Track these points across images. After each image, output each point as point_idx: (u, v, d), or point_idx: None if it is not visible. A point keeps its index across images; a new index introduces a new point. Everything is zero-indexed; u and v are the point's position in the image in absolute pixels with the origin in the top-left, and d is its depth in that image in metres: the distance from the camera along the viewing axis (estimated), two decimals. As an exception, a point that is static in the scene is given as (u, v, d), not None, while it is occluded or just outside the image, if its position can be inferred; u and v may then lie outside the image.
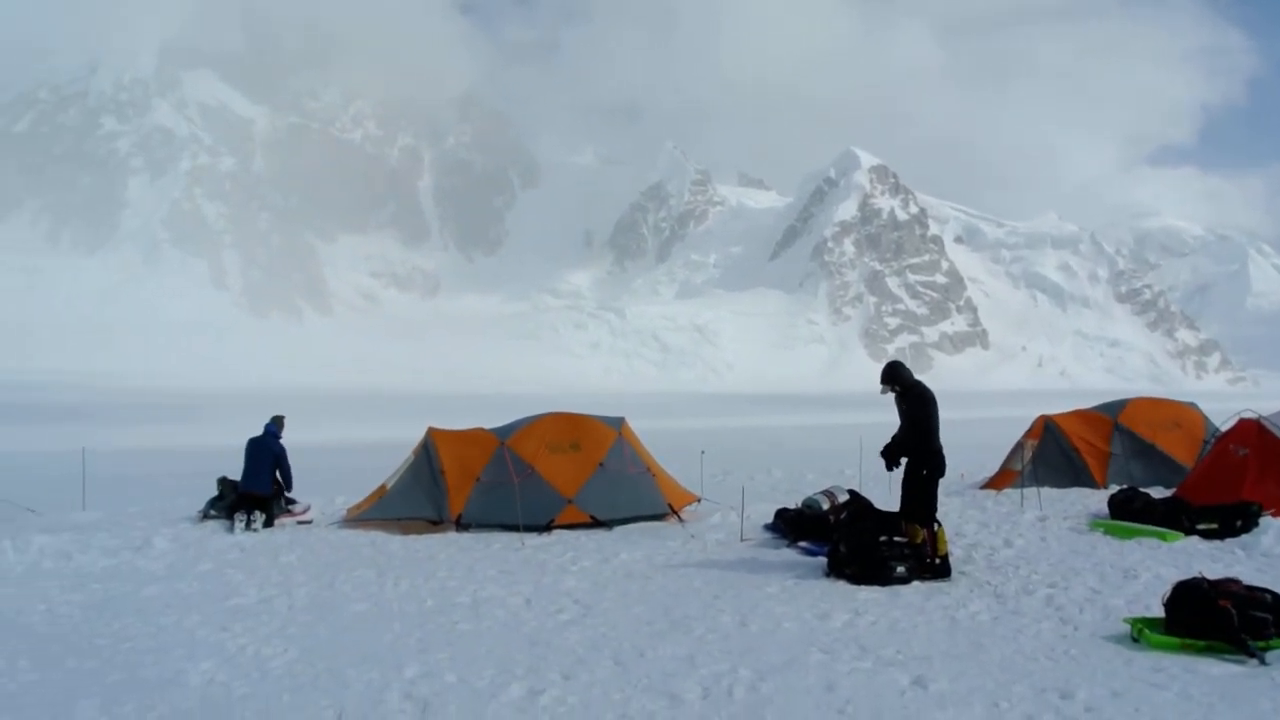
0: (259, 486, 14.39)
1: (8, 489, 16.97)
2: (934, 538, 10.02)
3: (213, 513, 14.61)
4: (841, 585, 9.71)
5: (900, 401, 10.36)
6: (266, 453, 14.66)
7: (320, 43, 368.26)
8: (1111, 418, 17.74)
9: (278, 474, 14.78)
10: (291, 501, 15.09)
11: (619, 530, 13.35)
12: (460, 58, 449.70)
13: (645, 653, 7.46)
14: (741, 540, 12.54)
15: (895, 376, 10.40)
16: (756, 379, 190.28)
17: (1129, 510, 13.02)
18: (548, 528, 13.17)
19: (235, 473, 14.83)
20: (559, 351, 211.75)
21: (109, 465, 24.15)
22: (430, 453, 14.24)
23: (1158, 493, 14.43)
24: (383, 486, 14.58)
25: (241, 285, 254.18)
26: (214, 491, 15.09)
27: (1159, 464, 16.94)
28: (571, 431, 14.41)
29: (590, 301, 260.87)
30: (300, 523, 14.49)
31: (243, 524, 13.86)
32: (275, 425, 15.15)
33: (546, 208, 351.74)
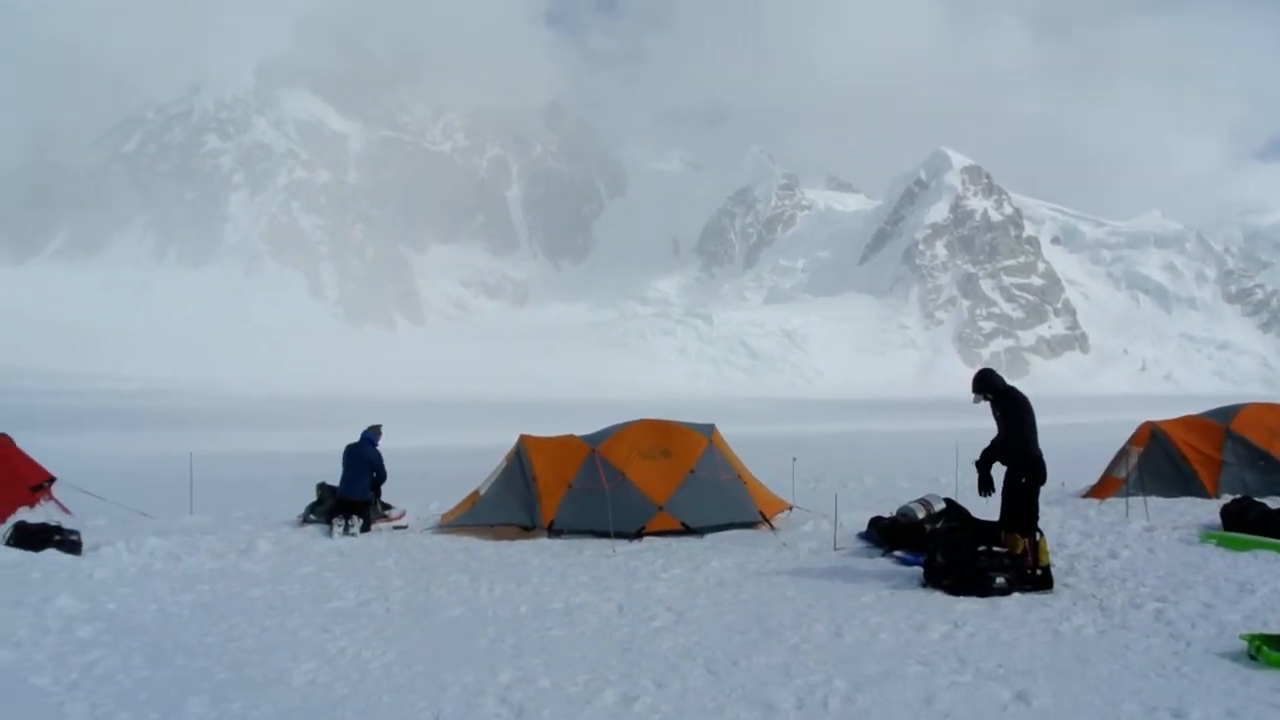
0: (357, 492, 14.75)
1: (121, 493, 17.66)
2: (1035, 548, 9.74)
3: (312, 517, 15.02)
4: (938, 596, 9.51)
5: (995, 409, 10.15)
6: (363, 460, 15.03)
7: (410, 58, 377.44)
8: (1223, 424, 16.98)
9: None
10: (388, 507, 15.44)
11: (710, 538, 13.29)
12: (546, 68, 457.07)
13: (738, 661, 7.40)
14: (835, 549, 12.37)
15: (987, 384, 10.22)
16: (847, 385, 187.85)
17: (1244, 521, 12.47)
18: (639, 534, 13.18)
19: (334, 479, 15.22)
20: (647, 359, 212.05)
21: (214, 470, 25.04)
22: (523, 460, 14.39)
23: (1274, 503, 13.77)
24: (476, 493, 14.80)
25: (337, 295, 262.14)
26: (313, 497, 15.49)
27: (1276, 473, 16.17)
28: (662, 438, 14.42)
29: (678, 308, 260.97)
30: (396, 528, 14.80)
31: (341, 529, 14.20)
32: (372, 433, 15.55)
33: (633, 215, 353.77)
